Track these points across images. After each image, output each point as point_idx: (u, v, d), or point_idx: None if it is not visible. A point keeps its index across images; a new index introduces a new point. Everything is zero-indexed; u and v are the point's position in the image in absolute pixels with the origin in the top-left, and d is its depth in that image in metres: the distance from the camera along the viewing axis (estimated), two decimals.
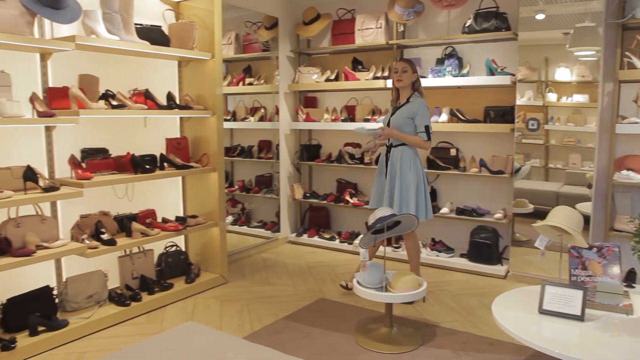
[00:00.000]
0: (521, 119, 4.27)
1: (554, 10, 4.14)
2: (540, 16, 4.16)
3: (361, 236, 5.06)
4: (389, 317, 3.17)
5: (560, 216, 2.71)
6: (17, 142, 3.21)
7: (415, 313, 3.56)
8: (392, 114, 3.67)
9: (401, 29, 4.86)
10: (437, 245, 4.70)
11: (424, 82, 4.53)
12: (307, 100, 5.57)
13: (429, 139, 3.57)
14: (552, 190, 4.36)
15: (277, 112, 5.37)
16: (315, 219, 5.55)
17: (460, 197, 4.75)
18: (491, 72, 4.34)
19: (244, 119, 5.51)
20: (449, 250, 4.65)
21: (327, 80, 5.19)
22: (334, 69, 5.24)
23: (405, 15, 4.64)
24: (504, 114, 4.35)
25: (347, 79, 5.02)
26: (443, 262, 4.58)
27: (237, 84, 5.44)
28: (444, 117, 4.55)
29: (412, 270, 3.75)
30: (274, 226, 5.48)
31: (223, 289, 4.06)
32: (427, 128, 3.56)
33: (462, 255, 4.59)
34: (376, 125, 4.42)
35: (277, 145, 5.42)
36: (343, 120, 5.13)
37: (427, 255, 4.66)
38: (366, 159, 5.05)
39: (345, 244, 5.15)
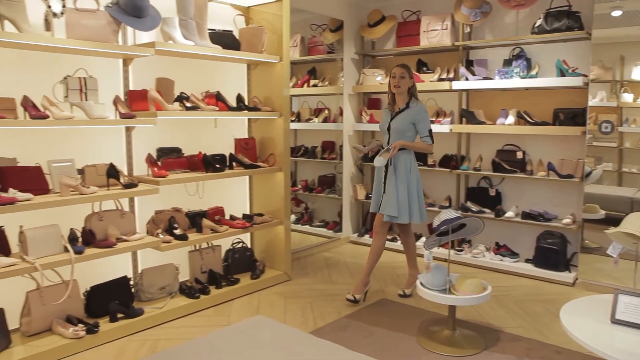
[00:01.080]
0: (592, 121, 4.12)
1: (632, 6, 3.96)
2: (616, 13, 4.00)
3: (423, 238, 5.06)
4: (452, 320, 3.17)
5: (635, 223, 2.61)
6: (101, 141, 3.45)
7: (478, 317, 3.52)
8: (392, 119, 3.71)
9: (467, 30, 4.81)
10: (501, 249, 4.62)
11: (490, 84, 4.48)
12: (371, 102, 5.60)
13: (433, 142, 3.69)
14: (626, 196, 4.18)
15: (341, 114, 5.44)
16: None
17: (526, 201, 4.64)
18: (561, 73, 4.22)
19: (308, 120, 5.62)
20: (513, 255, 4.56)
21: None
22: None
23: (472, 16, 4.59)
24: (574, 116, 4.22)
25: None
26: (507, 266, 4.49)
27: (302, 86, 5.56)
28: (511, 119, 4.47)
29: (413, 265, 4.00)
30: (336, 226, 5.55)
31: (287, 285, 4.18)
32: (430, 132, 3.67)
33: (527, 261, 4.49)
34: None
35: (341, 146, 5.49)
36: None
37: (490, 259, 4.59)
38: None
39: None
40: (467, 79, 4.64)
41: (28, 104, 2.93)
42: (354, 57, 5.49)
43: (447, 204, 4.97)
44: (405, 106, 3.67)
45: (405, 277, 4.11)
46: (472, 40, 4.77)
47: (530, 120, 4.41)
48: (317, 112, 5.64)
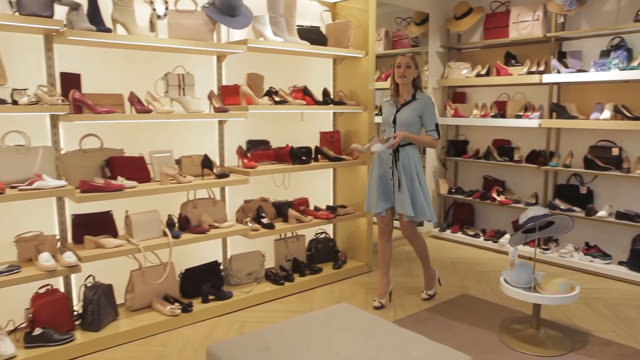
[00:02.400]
0: None
1: None
2: None
3: (507, 235, 4.95)
4: (537, 319, 3.10)
5: None
6: (196, 134, 3.68)
7: (565, 318, 3.42)
8: (397, 111, 3.48)
9: (561, 20, 4.61)
10: (591, 250, 4.42)
11: (584, 77, 4.28)
12: (456, 96, 5.52)
13: (439, 136, 3.49)
14: None
15: None
16: (459, 215, 5.52)
17: (621, 201, 4.40)
18: None
19: None
20: (605, 256, 4.35)
21: (478, 75, 5.10)
22: (485, 63, 5.13)
23: (567, 6, 4.39)
24: None
25: (498, 74, 4.90)
26: (597, 268, 4.30)
27: (386, 80, 5.57)
28: (607, 114, 4.24)
29: (427, 267, 3.76)
30: None
31: (368, 277, 4.25)
32: (437, 126, 3.47)
33: (620, 263, 4.27)
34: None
35: None
36: (493, 116, 5.02)
37: (579, 259, 4.41)
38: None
39: (490, 242, 5.05)
40: (558, 72, 4.45)
41: (134, 99, 3.19)
42: (439, 50, 5.43)
43: (534, 201, 4.81)
44: (411, 98, 3.46)
45: (487, 273, 4.06)
46: (566, 31, 4.57)
47: (629, 115, 4.16)
48: None
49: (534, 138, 4.88)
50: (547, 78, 4.51)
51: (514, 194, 5.07)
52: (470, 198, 5.27)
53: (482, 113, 5.14)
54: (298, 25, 3.92)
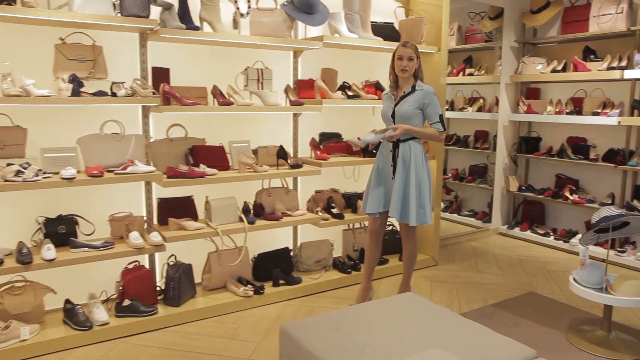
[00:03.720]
0: None
1: None
2: None
3: (579, 235, 4.83)
4: (607, 321, 3.06)
5: None
6: (272, 125, 3.87)
7: (639, 322, 3.33)
8: (396, 104, 3.22)
9: None
10: None
11: None
12: (530, 92, 5.42)
13: (445, 129, 3.22)
14: None
15: (496, 103, 5.35)
16: (529, 213, 5.43)
17: None
18: None
19: (461, 109, 5.62)
20: None
21: (553, 71, 4.98)
22: (562, 59, 5.00)
23: None
24: None
25: (576, 69, 4.77)
26: None
27: (457, 74, 5.56)
28: None
29: (407, 278, 3.52)
30: (485, 216, 5.51)
31: (433, 270, 4.30)
32: (441, 117, 3.19)
33: None
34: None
35: (495, 136, 5.41)
36: (568, 113, 4.89)
37: None
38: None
39: (561, 241, 4.94)
40: None
41: (217, 92, 3.40)
42: (513, 45, 5.34)
43: (610, 201, 4.66)
44: (410, 89, 3.19)
45: (556, 273, 4.00)
46: None
47: None
48: (471, 101, 5.61)
49: (612, 136, 4.72)
50: (629, 74, 4.34)
51: (588, 193, 4.93)
52: (541, 196, 5.17)
53: (557, 110, 5.02)
54: (372, 22, 4.00)
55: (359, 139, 3.56)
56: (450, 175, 5.80)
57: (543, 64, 5.07)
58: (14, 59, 2.88)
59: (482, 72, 5.43)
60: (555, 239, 5.01)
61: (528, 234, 5.24)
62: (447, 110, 5.62)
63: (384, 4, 4.30)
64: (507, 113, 5.42)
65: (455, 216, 5.68)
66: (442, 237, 4.81)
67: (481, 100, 5.51)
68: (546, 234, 5.10)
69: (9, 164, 2.76)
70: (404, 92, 3.21)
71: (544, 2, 5.05)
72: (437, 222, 4.39)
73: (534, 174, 5.51)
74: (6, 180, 2.69)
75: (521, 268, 4.39)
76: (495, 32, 5.33)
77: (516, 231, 5.34)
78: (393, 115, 3.22)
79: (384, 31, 4.03)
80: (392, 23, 4.16)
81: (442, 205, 5.64)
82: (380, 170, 3.32)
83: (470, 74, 5.48)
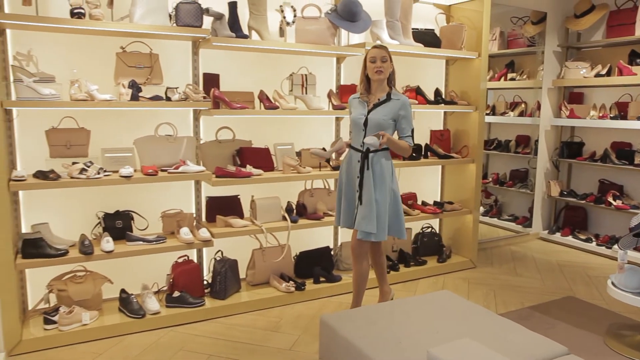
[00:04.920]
0: None
1: None
2: None
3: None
4: None
5: None
6: (315, 129, 4.03)
7: None
8: (370, 111, 3.02)
9: None
10: None
11: None
12: (572, 96, 5.39)
13: (413, 143, 3.08)
14: None
15: (538, 108, 5.34)
16: (570, 219, 5.39)
17: None
18: None
19: (503, 114, 5.63)
20: None
21: (597, 75, 4.95)
22: (606, 63, 4.96)
23: None
24: None
25: (621, 73, 4.72)
26: None
27: (499, 79, 5.58)
28: None
29: (384, 286, 3.44)
30: (525, 221, 5.50)
31: (471, 272, 4.36)
32: (412, 132, 3.07)
33: None
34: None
35: (536, 140, 5.40)
36: (612, 118, 4.85)
37: None
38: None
39: (603, 247, 4.90)
40: None
41: (263, 97, 3.58)
42: (556, 49, 5.33)
43: None
44: (386, 97, 3.03)
45: (597, 278, 3.98)
46: None
47: None
48: (512, 105, 5.61)
49: None
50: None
51: (633, 199, 4.87)
52: (583, 201, 5.13)
53: (601, 114, 4.98)
54: (413, 28, 4.10)
55: (323, 149, 3.52)
56: (490, 179, 5.81)
57: (587, 68, 5.04)
58: (81, 67, 3.14)
59: (524, 76, 5.44)
60: (598, 244, 4.96)
61: (569, 239, 5.20)
62: (488, 114, 5.65)
63: (425, 11, 4.40)
64: (549, 118, 5.41)
65: (495, 220, 5.68)
66: (480, 241, 4.85)
67: (523, 105, 5.51)
68: (588, 240, 5.06)
69: (74, 163, 3.01)
70: (379, 99, 3.04)
71: (589, 6, 5.02)
72: (476, 226, 4.44)
73: (577, 179, 5.47)
74: (72, 178, 2.94)
75: (561, 273, 4.38)
76: (538, 37, 5.33)
77: (557, 236, 5.31)
78: (365, 123, 3.03)
79: (425, 37, 4.12)
80: (433, 29, 4.25)
81: (482, 209, 5.68)
82: (345, 181, 3.15)
83: (512, 79, 5.49)
